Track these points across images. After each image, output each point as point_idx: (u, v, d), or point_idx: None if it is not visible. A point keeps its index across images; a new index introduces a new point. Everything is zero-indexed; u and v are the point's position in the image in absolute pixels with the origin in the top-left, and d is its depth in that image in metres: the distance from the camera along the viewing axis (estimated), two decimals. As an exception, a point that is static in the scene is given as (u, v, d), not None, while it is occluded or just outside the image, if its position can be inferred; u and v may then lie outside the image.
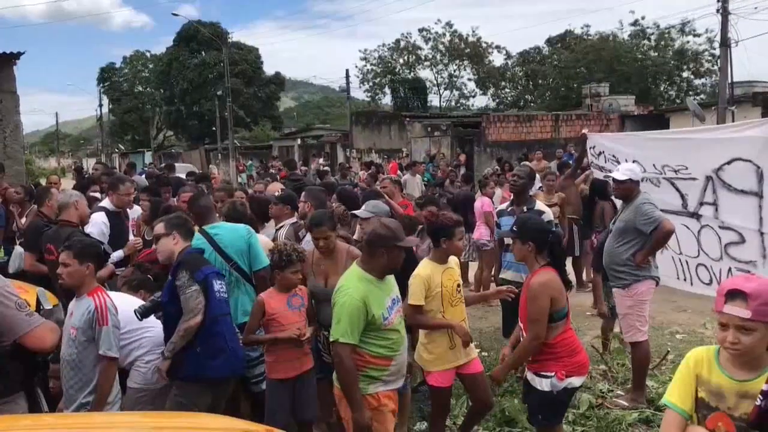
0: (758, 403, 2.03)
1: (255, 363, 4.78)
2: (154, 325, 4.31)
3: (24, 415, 3.14)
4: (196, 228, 4.79)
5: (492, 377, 4.38)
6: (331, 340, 3.76)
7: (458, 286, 4.51)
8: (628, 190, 5.73)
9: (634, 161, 6.69)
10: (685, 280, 6.92)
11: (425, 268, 4.46)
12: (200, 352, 4.05)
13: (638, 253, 5.57)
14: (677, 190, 6.79)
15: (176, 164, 34.05)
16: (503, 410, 5.18)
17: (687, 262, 6.84)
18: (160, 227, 4.31)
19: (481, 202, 9.46)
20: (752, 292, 2.33)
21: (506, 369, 4.27)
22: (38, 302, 3.76)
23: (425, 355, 4.52)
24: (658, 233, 5.50)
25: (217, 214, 5.30)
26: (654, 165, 6.81)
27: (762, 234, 6.30)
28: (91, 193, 7.51)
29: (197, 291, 4.04)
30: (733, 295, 2.37)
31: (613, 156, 7.37)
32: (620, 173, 5.76)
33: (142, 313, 4.16)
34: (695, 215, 6.66)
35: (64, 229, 5.34)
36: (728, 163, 6.37)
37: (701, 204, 6.62)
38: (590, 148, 7.78)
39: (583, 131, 8.03)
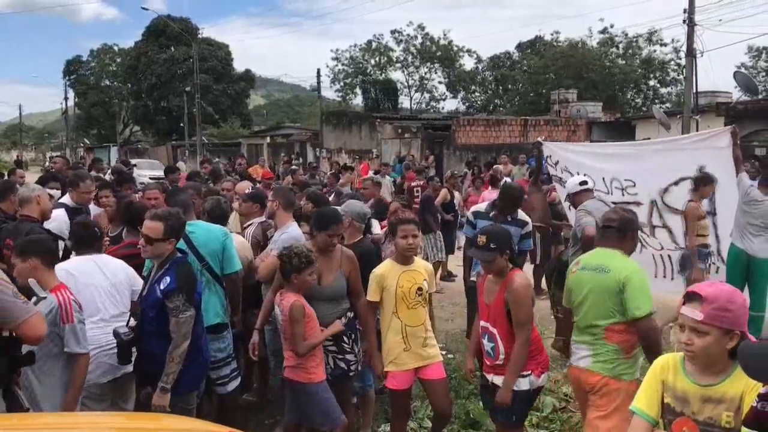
0: (754, 404, 2.11)
1: (222, 364, 4.71)
2: (86, 327, 4.16)
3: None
4: None
5: (499, 402, 4.08)
6: (640, 314, 3.69)
7: (419, 289, 4.45)
8: (577, 199, 6.06)
9: (584, 174, 6.78)
10: (665, 277, 6.90)
11: (382, 266, 4.53)
12: (182, 368, 3.93)
13: None
14: None
15: (141, 160, 33.78)
16: (468, 412, 5.20)
17: (669, 257, 6.87)
18: (157, 229, 4.00)
19: (482, 198, 9.59)
20: (708, 295, 2.40)
21: (510, 384, 4.02)
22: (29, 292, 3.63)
23: (383, 354, 4.53)
24: (582, 240, 5.66)
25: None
26: (603, 179, 6.81)
27: (719, 252, 6.46)
28: (50, 190, 7.29)
29: (191, 316, 3.90)
30: (690, 297, 2.45)
31: (566, 167, 7.32)
32: (570, 186, 6.19)
33: (121, 360, 4.00)
34: (653, 235, 6.75)
35: (24, 224, 5.19)
36: (676, 183, 6.47)
37: (654, 227, 6.72)
38: (547, 157, 7.78)
39: (538, 139, 8.00)
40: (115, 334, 3.95)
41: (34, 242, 3.83)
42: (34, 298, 3.41)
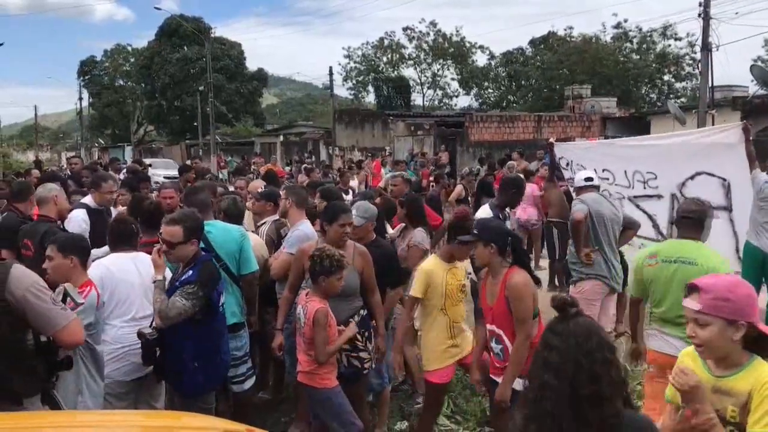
0: None
1: (238, 362, 4.74)
2: (117, 324, 4.19)
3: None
4: None
5: (498, 400, 4.02)
6: None
7: (462, 286, 4.58)
8: (581, 194, 6.15)
9: (604, 170, 6.76)
10: None
11: (429, 263, 4.56)
12: (197, 367, 4.00)
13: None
14: (644, 212, 6.83)
15: (156, 159, 33.97)
16: (483, 410, 5.18)
17: None
18: (176, 233, 4.02)
19: (530, 188, 9.91)
20: (705, 286, 2.45)
21: (509, 383, 3.97)
22: (65, 296, 3.66)
23: (426, 353, 4.56)
24: (570, 224, 5.82)
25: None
26: (625, 172, 6.77)
27: (737, 251, 6.41)
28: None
29: (185, 308, 3.88)
30: (690, 289, 2.50)
31: (581, 165, 7.21)
32: (576, 181, 6.39)
33: (146, 361, 4.04)
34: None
35: (41, 224, 5.23)
36: (692, 177, 6.44)
37: (671, 224, 6.69)
38: (558, 158, 7.73)
39: (550, 140, 7.98)
40: (140, 335, 3.96)
41: (76, 241, 3.92)
42: (70, 303, 3.43)
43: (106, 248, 5.44)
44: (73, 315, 3.23)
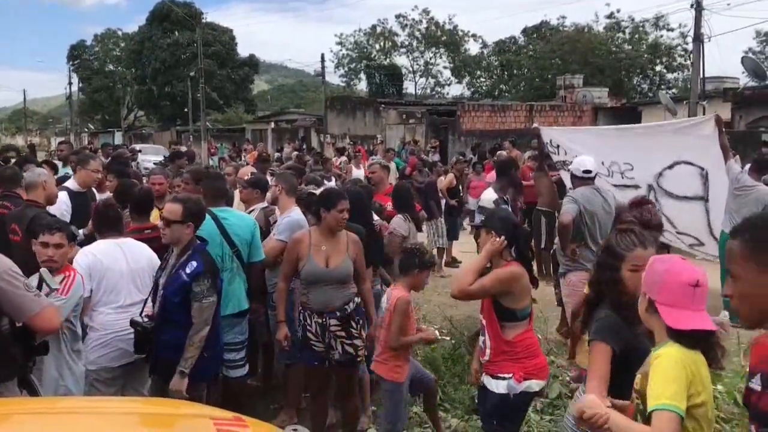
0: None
1: (240, 347, 4.81)
2: (105, 310, 4.18)
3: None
4: None
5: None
6: None
7: None
8: (576, 184, 6.07)
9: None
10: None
11: None
12: (207, 356, 4.00)
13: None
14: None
15: (146, 145, 33.66)
16: (472, 398, 5.20)
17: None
18: (176, 212, 4.00)
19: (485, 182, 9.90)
20: None
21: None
22: (41, 282, 3.65)
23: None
24: (558, 228, 5.85)
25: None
26: (603, 163, 6.78)
27: (715, 239, 6.44)
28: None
29: (214, 302, 3.95)
30: None
31: (566, 152, 7.31)
32: (573, 169, 6.18)
33: (139, 349, 4.03)
34: None
35: (29, 210, 5.16)
36: (670, 167, 6.46)
37: None
38: (547, 142, 7.73)
39: (534, 125, 8.00)
40: (134, 323, 3.95)
41: (72, 230, 4.03)
42: (45, 289, 3.41)
43: (82, 231, 5.38)
44: (48, 301, 3.22)
